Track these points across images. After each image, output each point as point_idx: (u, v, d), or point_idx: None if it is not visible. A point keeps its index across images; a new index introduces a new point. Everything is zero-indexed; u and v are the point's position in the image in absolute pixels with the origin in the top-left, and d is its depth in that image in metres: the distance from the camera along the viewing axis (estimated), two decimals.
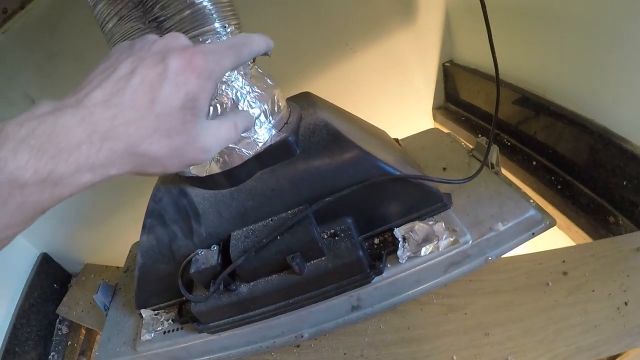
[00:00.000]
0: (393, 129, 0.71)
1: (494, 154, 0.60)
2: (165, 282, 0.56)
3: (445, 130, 0.80)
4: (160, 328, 0.58)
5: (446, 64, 1.02)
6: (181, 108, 0.28)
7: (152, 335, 0.58)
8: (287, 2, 0.83)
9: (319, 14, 0.87)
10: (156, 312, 0.60)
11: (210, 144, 0.32)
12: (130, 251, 0.75)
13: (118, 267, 0.85)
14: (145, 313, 0.60)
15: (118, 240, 0.81)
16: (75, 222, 0.96)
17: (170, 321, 0.58)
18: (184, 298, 0.57)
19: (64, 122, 0.24)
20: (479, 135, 0.77)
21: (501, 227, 0.52)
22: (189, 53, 0.29)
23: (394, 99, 1.02)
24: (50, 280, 0.91)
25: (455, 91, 1.04)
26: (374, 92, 0.99)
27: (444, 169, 0.63)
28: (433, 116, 1.09)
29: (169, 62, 0.28)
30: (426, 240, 0.51)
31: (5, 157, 0.22)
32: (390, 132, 0.70)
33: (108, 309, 0.68)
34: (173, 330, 0.57)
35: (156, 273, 0.55)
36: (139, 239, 0.55)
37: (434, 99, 1.06)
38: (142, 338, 0.58)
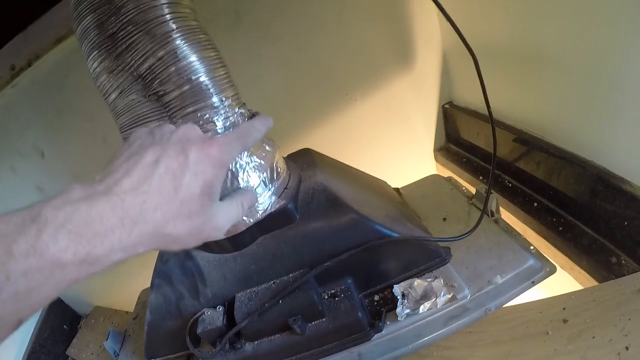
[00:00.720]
0: (395, 171, 0.74)
1: (494, 202, 0.63)
2: (173, 336, 0.59)
3: (447, 171, 0.83)
4: None
5: (445, 105, 1.06)
6: (200, 194, 0.33)
7: None
8: (286, 54, 0.87)
9: (318, 65, 0.91)
10: None
11: (222, 223, 0.37)
12: (139, 298, 0.79)
13: (127, 312, 0.89)
14: None
15: (126, 285, 0.85)
16: None
17: None
18: None
19: (98, 208, 0.27)
20: (480, 177, 0.80)
21: (499, 280, 0.55)
22: (206, 145, 0.34)
23: (395, 141, 1.05)
24: (60, 321, 0.95)
25: (455, 132, 1.07)
26: (376, 135, 1.02)
27: (444, 219, 0.65)
28: (435, 157, 1.12)
29: (189, 152, 0.32)
30: (424, 297, 0.53)
31: (47, 242, 0.25)
32: (392, 173, 0.73)
33: (118, 355, 0.72)
34: None
35: (165, 329, 0.58)
36: (146, 286, 0.58)
37: (435, 140, 1.10)
38: None
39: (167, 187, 0.31)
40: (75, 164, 0.87)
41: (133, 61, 0.46)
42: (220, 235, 0.37)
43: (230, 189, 0.47)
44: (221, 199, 0.38)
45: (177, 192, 0.31)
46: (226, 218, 0.37)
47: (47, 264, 0.25)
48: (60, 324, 0.94)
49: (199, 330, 0.52)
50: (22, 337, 0.87)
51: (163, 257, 0.56)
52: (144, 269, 0.61)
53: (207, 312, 0.54)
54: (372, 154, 1.00)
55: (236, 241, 0.51)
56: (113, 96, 0.50)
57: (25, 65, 0.70)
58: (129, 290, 0.83)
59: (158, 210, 0.30)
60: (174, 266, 0.55)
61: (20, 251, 0.24)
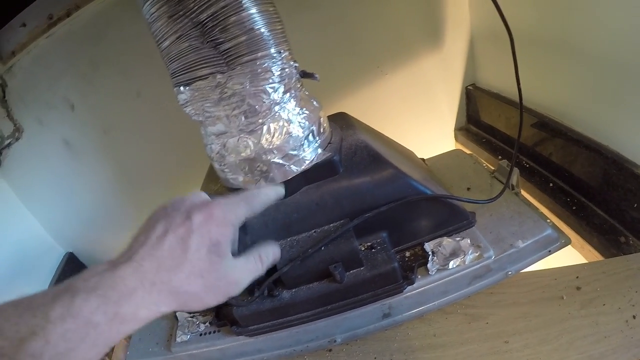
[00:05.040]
0: (417, 146, 0.80)
1: (515, 176, 0.69)
2: None
3: (466, 150, 0.88)
4: (197, 330, 0.64)
5: (469, 87, 1.12)
6: (208, 252, 0.38)
7: (189, 336, 0.64)
8: (323, 26, 0.93)
9: (353, 38, 0.97)
10: (192, 315, 0.66)
11: (239, 278, 0.41)
12: None
13: None
14: (181, 315, 0.66)
15: None
16: (102, 224, 1.02)
17: (207, 324, 0.64)
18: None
19: (121, 273, 0.33)
20: (499, 157, 0.85)
21: (521, 244, 0.60)
22: (208, 207, 0.39)
23: (419, 117, 1.12)
24: None
25: (476, 113, 1.13)
26: (401, 111, 1.09)
27: (468, 189, 0.71)
28: (455, 137, 1.19)
29: (193, 217, 0.38)
30: (453, 254, 0.58)
31: (80, 305, 0.30)
32: (414, 150, 0.78)
33: None
34: (209, 333, 0.63)
35: None
36: None
37: (456, 120, 1.16)
38: (178, 339, 0.63)
39: (177, 250, 0.36)
40: (106, 117, 0.89)
41: (196, 7, 0.49)
42: (238, 290, 0.41)
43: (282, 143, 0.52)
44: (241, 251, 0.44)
45: (185, 253, 0.36)
46: (242, 273, 0.42)
47: (82, 325, 0.30)
48: None
49: None
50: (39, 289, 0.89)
51: None
52: None
53: None
54: (396, 127, 1.06)
55: None
56: (168, 42, 0.52)
57: (63, 15, 0.72)
58: None
59: (171, 271, 0.36)
60: None
61: (56, 316, 0.29)
